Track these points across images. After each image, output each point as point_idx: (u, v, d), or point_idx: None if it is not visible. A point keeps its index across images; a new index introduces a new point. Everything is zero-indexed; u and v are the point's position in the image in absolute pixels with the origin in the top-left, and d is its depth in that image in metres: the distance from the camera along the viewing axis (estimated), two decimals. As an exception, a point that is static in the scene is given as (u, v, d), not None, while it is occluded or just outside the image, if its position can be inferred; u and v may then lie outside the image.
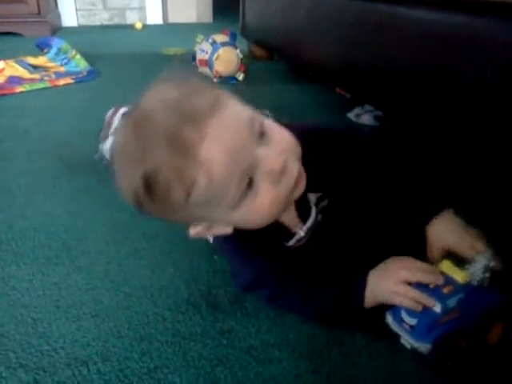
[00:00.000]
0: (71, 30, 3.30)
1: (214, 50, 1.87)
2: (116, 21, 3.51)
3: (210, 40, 1.91)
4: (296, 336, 0.63)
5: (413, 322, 0.57)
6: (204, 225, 0.60)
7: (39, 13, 2.91)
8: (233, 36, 1.94)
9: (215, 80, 1.90)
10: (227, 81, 1.90)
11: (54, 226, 0.89)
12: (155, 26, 3.48)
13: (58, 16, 3.33)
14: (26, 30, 2.90)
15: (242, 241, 0.64)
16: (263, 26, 2.10)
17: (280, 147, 0.55)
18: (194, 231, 0.60)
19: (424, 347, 0.56)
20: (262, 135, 0.54)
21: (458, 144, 0.99)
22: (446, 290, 0.56)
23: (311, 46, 1.59)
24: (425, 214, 0.68)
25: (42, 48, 2.12)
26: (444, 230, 0.66)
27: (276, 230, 0.64)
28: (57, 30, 3.17)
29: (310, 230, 0.69)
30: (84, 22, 3.46)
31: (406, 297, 0.57)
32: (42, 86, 1.84)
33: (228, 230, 0.61)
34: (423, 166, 0.75)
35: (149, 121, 0.51)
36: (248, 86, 1.88)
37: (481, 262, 0.58)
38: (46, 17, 2.95)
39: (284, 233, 0.67)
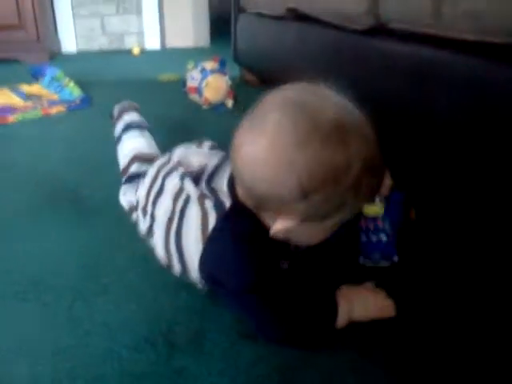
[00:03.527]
0: (70, 56, 3.36)
1: (203, 77, 1.90)
2: (115, 46, 3.57)
3: (200, 67, 1.94)
4: (245, 379, 0.64)
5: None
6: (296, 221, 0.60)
7: (38, 39, 2.97)
8: (222, 63, 1.97)
9: (205, 107, 1.92)
10: (216, 108, 1.92)
11: (28, 260, 0.91)
12: (153, 52, 3.54)
13: (58, 42, 3.39)
14: (24, 56, 2.95)
15: (253, 245, 0.65)
16: (253, 52, 2.13)
17: None
18: (280, 225, 0.61)
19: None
20: None
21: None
22: (379, 224, 0.83)
23: (297, 73, 1.61)
24: None
25: (36, 76, 2.16)
26: None
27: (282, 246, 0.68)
28: (56, 55, 3.22)
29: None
30: (83, 47, 3.52)
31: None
32: (34, 113, 1.87)
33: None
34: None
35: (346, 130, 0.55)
36: (237, 111, 1.89)
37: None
38: (45, 43, 3.01)
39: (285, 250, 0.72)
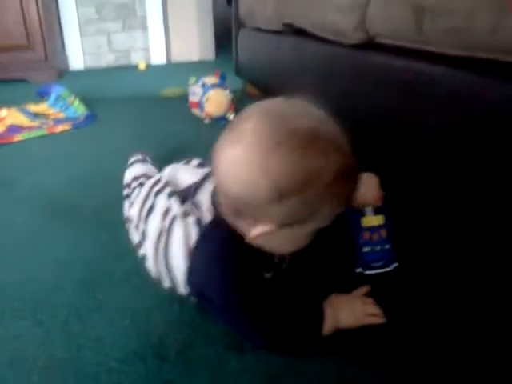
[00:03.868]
0: (77, 73, 3.42)
1: (204, 91, 1.94)
2: (121, 62, 3.63)
3: (201, 82, 1.98)
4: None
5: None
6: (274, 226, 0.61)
7: (46, 58, 3.03)
8: (222, 77, 2.00)
9: (206, 121, 1.95)
10: (218, 121, 1.95)
11: (27, 278, 0.93)
12: (159, 66, 3.59)
13: (66, 59, 3.46)
14: (32, 76, 3.01)
15: (234, 261, 0.67)
16: (254, 66, 2.17)
17: None
18: (260, 230, 0.62)
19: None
20: None
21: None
22: (383, 234, 0.88)
23: (295, 85, 1.64)
24: None
25: (42, 95, 2.21)
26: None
27: (264, 257, 0.70)
28: (64, 73, 3.28)
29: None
30: (91, 64, 3.59)
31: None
32: (39, 133, 1.91)
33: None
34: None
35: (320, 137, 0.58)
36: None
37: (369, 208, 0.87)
38: (53, 62, 3.07)
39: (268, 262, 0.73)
